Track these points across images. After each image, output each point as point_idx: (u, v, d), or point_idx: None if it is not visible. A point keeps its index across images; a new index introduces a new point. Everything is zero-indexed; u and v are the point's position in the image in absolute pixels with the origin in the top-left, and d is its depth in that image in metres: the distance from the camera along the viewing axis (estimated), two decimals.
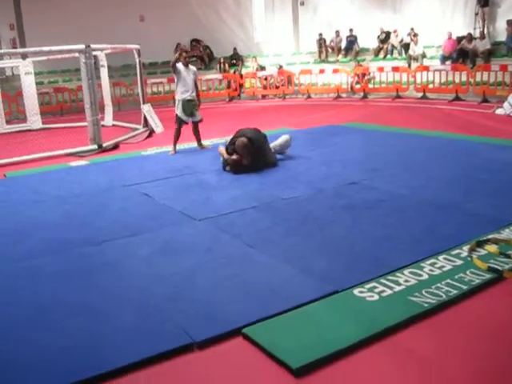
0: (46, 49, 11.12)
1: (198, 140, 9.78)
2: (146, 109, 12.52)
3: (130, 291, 4.10)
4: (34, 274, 4.55)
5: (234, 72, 19.94)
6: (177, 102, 9.46)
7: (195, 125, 9.59)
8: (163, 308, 3.79)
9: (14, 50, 17.32)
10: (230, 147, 7.77)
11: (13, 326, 3.67)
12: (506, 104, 12.13)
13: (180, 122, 9.49)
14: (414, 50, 17.19)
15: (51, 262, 4.79)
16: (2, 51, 14.55)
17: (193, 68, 9.55)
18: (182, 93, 9.30)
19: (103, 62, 14.26)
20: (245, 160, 7.56)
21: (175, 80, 9.46)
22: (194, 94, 9.38)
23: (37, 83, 15.33)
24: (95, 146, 10.48)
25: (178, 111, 9.39)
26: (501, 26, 16.19)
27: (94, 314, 3.78)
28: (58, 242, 5.28)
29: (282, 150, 8.37)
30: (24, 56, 14.42)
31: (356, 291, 3.83)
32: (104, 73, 14.41)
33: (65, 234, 5.50)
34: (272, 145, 8.11)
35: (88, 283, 4.30)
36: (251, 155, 7.58)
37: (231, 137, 7.97)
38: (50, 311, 3.85)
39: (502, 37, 16.08)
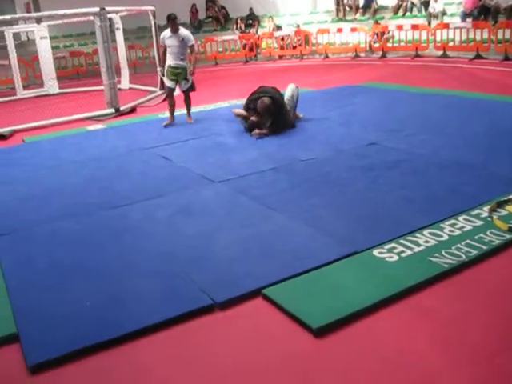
0: (60, 12, 11.05)
1: (187, 111, 9.04)
2: None
3: (151, 253, 4.14)
4: (55, 236, 4.61)
5: (249, 32, 19.66)
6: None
7: (185, 94, 8.88)
8: (184, 269, 3.82)
9: (28, 15, 17.16)
10: (252, 103, 7.69)
11: (36, 288, 3.73)
12: None
13: (167, 91, 9.03)
14: (434, 7, 16.76)
15: (72, 225, 4.84)
16: (17, 16, 14.43)
17: (183, 33, 8.58)
18: (168, 59, 8.66)
19: (118, 24, 14.13)
20: (264, 123, 7.45)
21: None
22: (183, 61, 8.63)
23: (52, 47, 15.29)
24: (112, 110, 10.47)
25: (165, 79, 8.92)
26: None
27: (116, 275, 3.84)
28: (79, 205, 5.33)
29: (294, 100, 8.06)
30: (39, 20, 14.33)
31: (375, 252, 3.83)
32: (119, 36, 14.29)
33: (85, 198, 5.54)
34: (285, 98, 7.93)
35: (109, 245, 4.35)
36: (271, 116, 7.50)
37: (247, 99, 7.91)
38: (70, 273, 3.91)
39: None
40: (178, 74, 8.63)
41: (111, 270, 3.94)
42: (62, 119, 10.07)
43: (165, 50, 8.74)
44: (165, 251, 4.16)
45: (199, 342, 3.08)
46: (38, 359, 2.94)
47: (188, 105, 8.96)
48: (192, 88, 8.84)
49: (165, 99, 11.41)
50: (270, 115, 7.49)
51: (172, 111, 8.93)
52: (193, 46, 8.73)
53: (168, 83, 8.81)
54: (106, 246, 4.33)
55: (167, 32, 8.59)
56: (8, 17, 10.97)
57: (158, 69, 8.81)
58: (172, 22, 8.46)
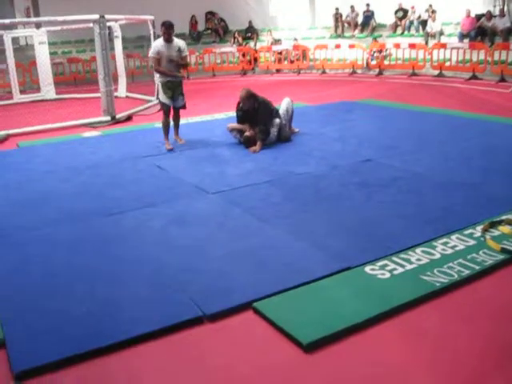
0: (60, 18, 11.05)
1: (176, 130, 8.25)
2: None
3: (142, 262, 4.12)
4: (47, 242, 4.59)
5: (246, 44, 19.74)
6: (157, 86, 8.12)
7: (176, 111, 8.09)
8: (175, 280, 3.80)
9: (27, 19, 17.27)
10: (239, 113, 7.79)
11: (25, 293, 3.70)
12: None
13: (165, 108, 8.02)
14: (432, 27, 16.93)
15: (65, 231, 4.82)
16: (16, 20, 14.52)
17: (179, 42, 7.77)
18: (162, 75, 7.83)
19: (117, 32, 14.16)
20: (257, 134, 7.44)
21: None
22: (180, 73, 7.93)
23: (50, 53, 15.32)
24: (108, 118, 10.46)
25: (160, 96, 7.97)
26: None
27: (106, 283, 3.81)
28: (72, 211, 5.31)
29: (289, 114, 8.09)
30: (38, 25, 14.37)
31: (367, 268, 3.82)
32: (118, 44, 14.33)
33: (79, 204, 5.52)
34: (280, 112, 7.96)
35: (101, 253, 4.33)
36: (253, 101, 7.57)
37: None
38: (62, 279, 3.89)
39: None
40: (175, 88, 7.85)
41: (103, 276, 3.91)
42: (58, 125, 10.06)
43: (158, 61, 7.70)
44: (157, 261, 4.13)
45: (188, 354, 3.05)
46: (24, 366, 2.91)
47: (178, 123, 8.25)
48: (184, 105, 8.12)
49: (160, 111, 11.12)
50: (250, 97, 7.53)
51: (167, 132, 8.08)
52: (186, 56, 8.03)
53: (165, 100, 7.89)
54: (98, 254, 4.30)
55: (160, 42, 7.70)
56: (7, 21, 10.96)
57: (160, 80, 7.99)
58: (167, 28, 7.54)
